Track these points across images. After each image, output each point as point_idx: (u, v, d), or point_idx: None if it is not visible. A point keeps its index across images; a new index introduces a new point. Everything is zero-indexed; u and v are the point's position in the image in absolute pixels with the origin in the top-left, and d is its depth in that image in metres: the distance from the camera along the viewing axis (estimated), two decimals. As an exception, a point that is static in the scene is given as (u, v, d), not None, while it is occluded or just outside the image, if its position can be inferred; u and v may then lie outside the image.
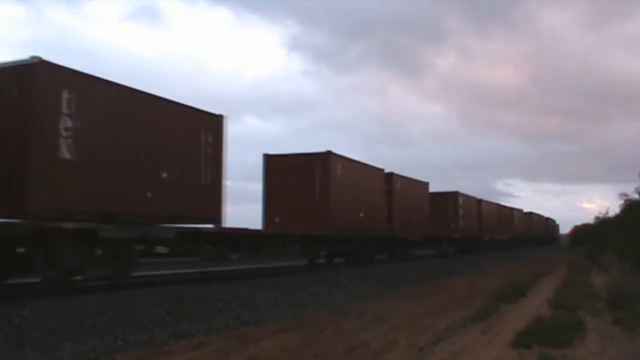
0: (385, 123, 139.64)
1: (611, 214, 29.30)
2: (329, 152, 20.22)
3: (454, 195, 36.18)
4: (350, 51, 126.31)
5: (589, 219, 50.47)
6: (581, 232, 51.36)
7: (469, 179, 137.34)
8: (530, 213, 64.96)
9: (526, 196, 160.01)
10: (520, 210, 59.45)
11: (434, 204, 32.18)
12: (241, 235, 15.81)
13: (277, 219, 19.55)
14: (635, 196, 20.87)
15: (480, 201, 42.56)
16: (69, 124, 10.57)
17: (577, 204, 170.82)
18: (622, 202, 22.68)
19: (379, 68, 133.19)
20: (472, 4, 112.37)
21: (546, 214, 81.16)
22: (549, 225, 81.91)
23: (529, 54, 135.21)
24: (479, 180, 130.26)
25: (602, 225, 30.86)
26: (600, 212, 34.53)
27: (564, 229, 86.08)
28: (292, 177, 19.95)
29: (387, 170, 25.75)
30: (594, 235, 33.51)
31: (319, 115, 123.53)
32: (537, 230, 68.67)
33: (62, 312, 8.20)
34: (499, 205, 49.76)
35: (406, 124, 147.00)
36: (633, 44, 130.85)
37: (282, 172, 20.09)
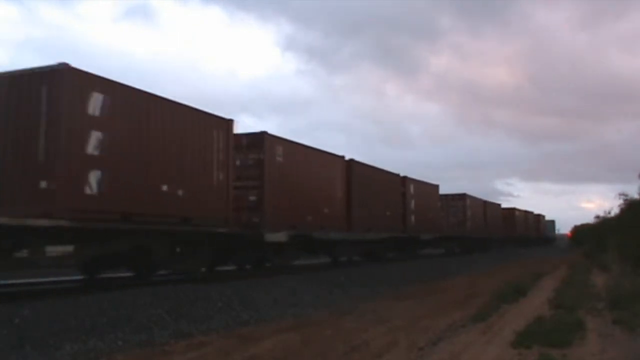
0: (382, 122, 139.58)
1: (611, 213, 29.35)
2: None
3: (226, 125, 14.08)
4: (344, 50, 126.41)
5: (588, 219, 50.54)
6: (581, 232, 51.31)
7: (468, 178, 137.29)
8: (463, 194, 37.38)
9: (526, 196, 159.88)
10: (464, 197, 35.86)
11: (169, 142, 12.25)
12: None
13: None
14: (636, 196, 20.86)
15: (352, 163, 21.07)
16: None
17: (576, 203, 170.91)
18: (621, 201, 22.69)
19: (373, 67, 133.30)
20: (467, 2, 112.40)
21: (540, 211, 66.70)
22: (529, 221, 59.88)
23: (524, 53, 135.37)
24: (478, 180, 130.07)
25: (602, 225, 30.87)
26: (603, 212, 34.34)
27: (565, 228, 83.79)
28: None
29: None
30: (594, 235, 33.53)
31: (315, 114, 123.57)
32: (492, 227, 43.09)
33: (62, 312, 8.19)
34: (406, 179, 26.68)
35: (403, 123, 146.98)
36: (628, 42, 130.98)
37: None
